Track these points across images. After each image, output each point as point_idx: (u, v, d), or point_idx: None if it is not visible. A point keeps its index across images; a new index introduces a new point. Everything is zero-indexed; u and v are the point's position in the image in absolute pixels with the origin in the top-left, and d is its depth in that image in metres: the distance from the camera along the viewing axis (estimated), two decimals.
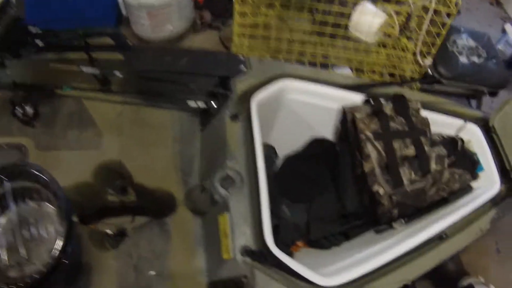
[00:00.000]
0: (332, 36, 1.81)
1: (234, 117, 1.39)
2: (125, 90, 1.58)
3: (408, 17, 1.81)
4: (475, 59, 2.03)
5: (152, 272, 1.35)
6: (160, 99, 1.59)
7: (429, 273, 1.30)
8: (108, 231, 1.57)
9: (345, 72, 1.92)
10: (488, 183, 1.51)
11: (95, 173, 1.47)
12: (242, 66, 1.46)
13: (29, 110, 1.48)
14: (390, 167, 1.36)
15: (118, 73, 1.51)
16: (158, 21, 2.15)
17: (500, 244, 2.13)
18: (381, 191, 1.34)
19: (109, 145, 1.52)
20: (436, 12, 1.74)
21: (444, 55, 2.00)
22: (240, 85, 1.42)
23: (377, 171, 1.36)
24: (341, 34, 1.77)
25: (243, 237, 1.18)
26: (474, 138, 1.58)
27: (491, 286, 1.67)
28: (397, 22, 1.76)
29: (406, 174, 1.36)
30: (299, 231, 1.50)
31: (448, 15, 1.67)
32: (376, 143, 1.37)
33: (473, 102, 2.12)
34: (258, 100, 1.39)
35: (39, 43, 1.48)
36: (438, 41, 1.75)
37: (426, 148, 1.41)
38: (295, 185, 1.57)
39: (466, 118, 1.60)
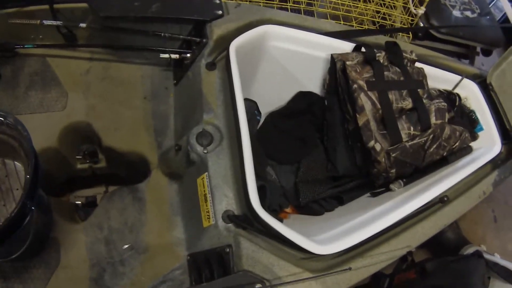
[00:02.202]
0: None
1: (211, 66, 1.14)
2: (92, 44, 1.32)
3: None
4: (468, 13, 1.77)
5: (126, 246, 1.12)
6: (129, 53, 1.33)
7: (427, 242, 1.08)
8: (77, 202, 1.33)
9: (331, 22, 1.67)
10: (488, 144, 1.30)
11: (61, 137, 1.22)
12: (218, 10, 1.20)
13: None
14: (387, 120, 1.12)
15: (83, 24, 1.24)
16: None
17: (496, 212, 1.93)
18: (377, 147, 1.11)
19: (75, 106, 1.26)
20: None
21: (436, 8, 1.74)
22: (216, 30, 1.15)
23: (372, 124, 1.12)
24: None
25: (225, 201, 0.95)
26: (472, 95, 1.36)
27: (496, 254, 1.47)
28: None
29: (404, 128, 1.13)
30: (286, 195, 1.26)
31: None
32: (370, 93, 1.13)
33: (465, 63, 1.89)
34: (237, 46, 1.12)
35: None
36: None
37: (425, 100, 1.18)
38: (279, 145, 1.32)
39: (462, 74, 1.36)
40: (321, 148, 1.35)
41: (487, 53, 1.84)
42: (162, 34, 1.24)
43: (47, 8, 1.23)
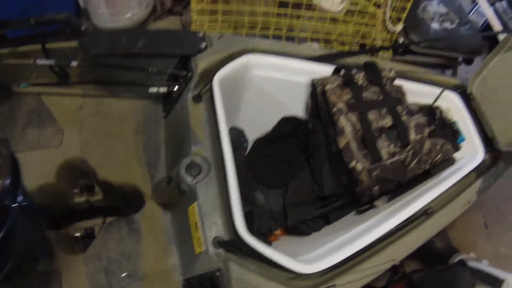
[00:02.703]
0: (296, 6, 1.57)
1: (197, 98, 1.17)
2: (84, 81, 1.36)
3: None
4: (447, 25, 1.78)
5: (124, 274, 1.15)
6: (120, 88, 1.37)
7: (417, 253, 1.10)
8: (76, 234, 1.37)
9: (312, 45, 1.69)
10: (471, 153, 1.31)
11: (58, 173, 1.27)
12: (202, 43, 1.23)
13: None
14: (367, 140, 1.15)
15: (74, 63, 1.28)
16: (116, 8, 1.89)
17: (487, 218, 1.93)
18: (358, 166, 1.13)
19: (70, 142, 1.31)
20: None
21: (414, 22, 1.75)
22: (200, 63, 1.19)
23: (353, 145, 1.15)
24: (305, 2, 1.53)
25: (214, 228, 0.99)
26: (453, 106, 1.38)
27: (484, 260, 1.47)
28: None
29: (384, 146, 1.15)
30: (275, 218, 1.28)
31: None
32: (350, 115, 1.16)
33: (448, 73, 1.90)
34: (221, 78, 1.16)
35: None
36: (408, 5, 1.52)
37: (404, 117, 1.20)
38: (267, 170, 1.35)
39: (443, 86, 1.39)
40: (307, 170, 1.37)
41: (468, 61, 1.85)
42: (150, 69, 1.28)
43: (40, 48, 1.27)
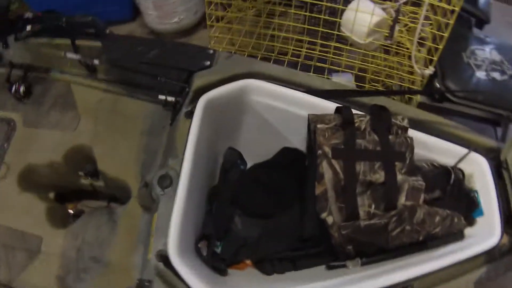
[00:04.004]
0: (326, 37, 1.42)
1: (189, 115, 1.14)
2: (108, 79, 1.42)
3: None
4: (496, 75, 1.42)
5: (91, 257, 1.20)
6: (136, 90, 1.40)
7: None
8: (70, 211, 1.45)
9: (344, 79, 1.52)
10: (485, 232, 1.04)
11: (66, 154, 1.37)
12: (206, 61, 1.19)
13: (22, 89, 1.41)
14: (347, 193, 0.99)
15: (96, 61, 1.35)
16: (165, 12, 1.93)
17: None
18: (329, 220, 0.98)
19: (83, 129, 1.39)
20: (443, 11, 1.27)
21: (456, 66, 1.45)
22: (197, 81, 1.15)
23: (330, 195, 0.99)
24: (336, 33, 1.37)
25: (162, 241, 0.97)
26: (478, 173, 1.10)
27: None
28: (394, 22, 1.30)
29: (364, 205, 0.98)
30: (247, 247, 1.19)
31: (453, 11, 1.18)
32: (334, 162, 1.01)
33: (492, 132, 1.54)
34: (211, 99, 1.10)
35: (28, 27, 1.38)
36: (441, 45, 1.26)
37: (399, 176, 1.00)
38: (254, 197, 1.25)
39: (472, 146, 1.14)
40: (298, 207, 1.24)
41: None
42: (159, 78, 1.28)
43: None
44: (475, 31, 1.75)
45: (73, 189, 1.48)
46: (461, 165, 1.15)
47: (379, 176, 1.01)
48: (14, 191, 1.30)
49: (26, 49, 1.47)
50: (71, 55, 1.36)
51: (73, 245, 1.22)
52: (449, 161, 1.16)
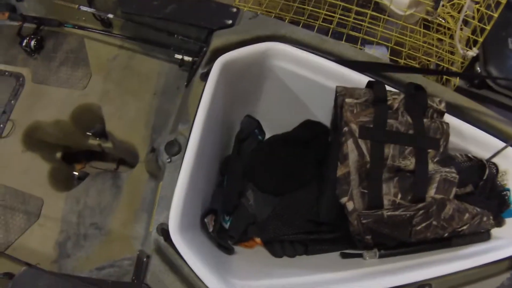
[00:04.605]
0: (362, 4, 1.25)
1: (204, 76, 1.02)
2: (123, 34, 1.32)
3: None
4: None
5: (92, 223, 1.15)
6: (152, 48, 1.29)
7: None
8: (75, 173, 1.38)
9: (378, 51, 1.35)
10: None
11: (74, 113, 1.29)
12: (228, 20, 1.06)
13: (33, 43, 1.33)
14: (371, 177, 0.87)
15: (110, 15, 1.23)
16: None
17: None
18: (349, 206, 0.87)
19: (94, 87, 1.30)
20: None
21: (500, 52, 1.28)
22: (216, 40, 1.02)
23: (353, 178, 0.88)
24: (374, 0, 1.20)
25: (165, 214, 0.88)
26: None
27: None
28: None
29: (390, 192, 0.86)
30: (258, 225, 1.10)
31: None
32: (361, 142, 0.89)
33: None
34: (229, 61, 0.98)
35: None
36: (488, 26, 1.08)
37: (431, 165, 0.88)
38: (267, 172, 1.14)
39: (511, 140, 1.00)
40: (315, 186, 1.13)
41: None
42: (175, 35, 1.16)
43: None
44: None
45: (81, 149, 1.41)
46: (495, 160, 1.02)
47: (409, 163, 0.89)
48: (18, 149, 1.23)
49: (39, 1, 1.37)
50: (85, 8, 1.25)
51: (74, 210, 1.16)
52: (483, 154, 1.02)
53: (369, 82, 0.98)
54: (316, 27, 1.29)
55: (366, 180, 0.89)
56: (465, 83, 1.31)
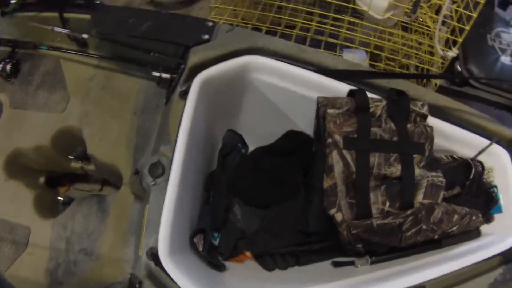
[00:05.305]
0: (339, 10, 1.23)
1: (183, 94, 0.99)
2: (99, 54, 1.27)
3: None
4: None
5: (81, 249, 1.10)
6: (129, 66, 1.25)
7: None
8: (59, 198, 1.33)
9: (357, 56, 1.34)
10: (504, 230, 0.92)
11: (54, 137, 1.23)
12: (204, 35, 1.03)
13: (8, 67, 1.27)
14: (358, 187, 0.86)
15: (85, 35, 1.19)
16: None
17: None
18: (338, 217, 0.86)
19: (73, 110, 1.25)
20: None
21: (480, 49, 1.27)
22: (193, 57, 0.99)
23: (340, 189, 0.87)
24: (351, 6, 1.18)
25: (154, 237, 0.84)
26: (499, 166, 0.97)
27: None
28: None
29: (378, 201, 0.85)
30: (247, 240, 1.07)
31: None
32: (345, 153, 0.87)
33: None
34: (206, 79, 0.95)
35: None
36: (467, 26, 1.08)
37: (418, 170, 0.87)
38: (253, 185, 1.12)
39: (495, 137, 0.99)
40: (301, 197, 1.11)
41: None
42: (152, 53, 1.13)
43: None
44: (499, 12, 1.56)
45: (64, 172, 1.36)
46: (480, 157, 1.02)
47: (395, 170, 0.88)
48: (1, 178, 1.18)
49: (13, 24, 1.31)
50: (59, 29, 1.21)
51: (62, 236, 1.11)
52: (468, 153, 1.02)
53: (350, 90, 0.97)
54: (294, 36, 1.27)
55: (353, 190, 0.87)
56: (446, 82, 1.31)
